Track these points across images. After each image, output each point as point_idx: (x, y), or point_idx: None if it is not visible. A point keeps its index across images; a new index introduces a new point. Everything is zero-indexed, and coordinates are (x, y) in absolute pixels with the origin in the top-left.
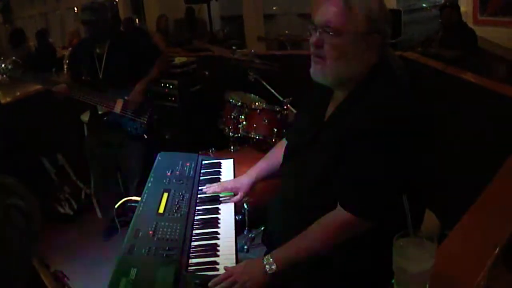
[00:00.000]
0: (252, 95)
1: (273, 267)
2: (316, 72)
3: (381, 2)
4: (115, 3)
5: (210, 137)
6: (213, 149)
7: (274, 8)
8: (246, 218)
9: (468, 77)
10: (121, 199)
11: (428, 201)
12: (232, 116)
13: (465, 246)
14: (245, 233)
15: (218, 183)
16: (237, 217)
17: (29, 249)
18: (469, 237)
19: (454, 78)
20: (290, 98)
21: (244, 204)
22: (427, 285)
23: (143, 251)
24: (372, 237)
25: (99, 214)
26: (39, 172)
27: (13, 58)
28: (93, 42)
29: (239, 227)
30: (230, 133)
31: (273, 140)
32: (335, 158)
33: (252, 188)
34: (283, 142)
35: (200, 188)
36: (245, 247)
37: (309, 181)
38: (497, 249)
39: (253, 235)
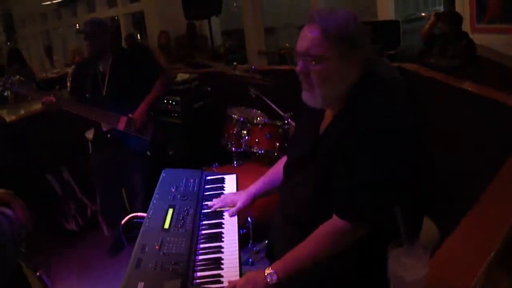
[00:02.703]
0: (254, 110)
1: (274, 278)
2: (307, 98)
3: (354, 17)
4: (115, 18)
5: (213, 153)
6: (216, 164)
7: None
8: (250, 231)
9: (466, 86)
10: (126, 215)
11: (428, 209)
12: (235, 132)
13: (461, 251)
14: (249, 246)
15: (219, 198)
16: (241, 231)
17: (13, 249)
18: (465, 242)
19: (452, 88)
20: (291, 113)
21: (248, 218)
22: None
23: (150, 266)
24: (369, 246)
25: (105, 230)
26: (45, 189)
27: (18, 76)
28: (95, 60)
29: (243, 240)
30: (233, 149)
31: (275, 154)
32: (328, 172)
33: (251, 204)
34: (284, 159)
35: (204, 203)
36: (250, 260)
37: (306, 196)
38: (492, 253)
39: (257, 249)
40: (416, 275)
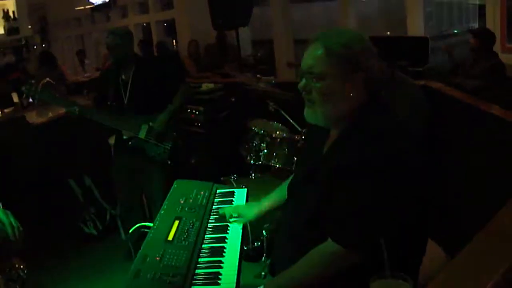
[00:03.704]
0: (275, 123)
1: None
2: (308, 115)
3: (361, 39)
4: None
5: (233, 164)
6: (234, 175)
7: (306, 33)
8: (265, 244)
9: (488, 108)
10: (144, 221)
11: (436, 234)
12: (254, 144)
13: (460, 279)
14: (263, 259)
15: (232, 207)
16: (255, 243)
17: None
18: (465, 270)
19: (474, 109)
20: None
21: (263, 231)
22: None
23: (148, 276)
24: (358, 274)
25: (123, 235)
26: (66, 193)
27: (47, 79)
28: (118, 69)
29: (258, 253)
30: (252, 161)
31: (293, 168)
32: (328, 194)
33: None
34: None
35: (211, 217)
36: (263, 273)
37: (305, 216)
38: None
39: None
40: None
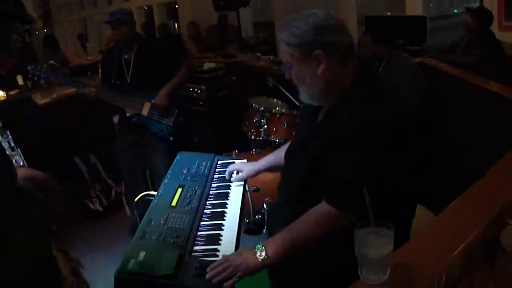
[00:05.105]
0: (275, 100)
1: (263, 253)
2: (302, 98)
3: (313, 18)
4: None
5: (234, 140)
6: (236, 151)
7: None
8: (265, 217)
9: (481, 83)
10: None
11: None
12: (255, 120)
13: (437, 238)
14: (264, 232)
15: (231, 165)
16: (256, 216)
17: (43, 233)
18: (443, 230)
19: (467, 85)
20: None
21: (264, 204)
22: (388, 269)
23: (153, 238)
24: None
25: (128, 212)
26: (72, 171)
27: (51, 62)
28: (121, 48)
29: (259, 226)
30: (252, 137)
31: None
32: (321, 159)
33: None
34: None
35: (212, 185)
36: None
37: (300, 180)
38: (464, 243)
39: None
40: (380, 252)
